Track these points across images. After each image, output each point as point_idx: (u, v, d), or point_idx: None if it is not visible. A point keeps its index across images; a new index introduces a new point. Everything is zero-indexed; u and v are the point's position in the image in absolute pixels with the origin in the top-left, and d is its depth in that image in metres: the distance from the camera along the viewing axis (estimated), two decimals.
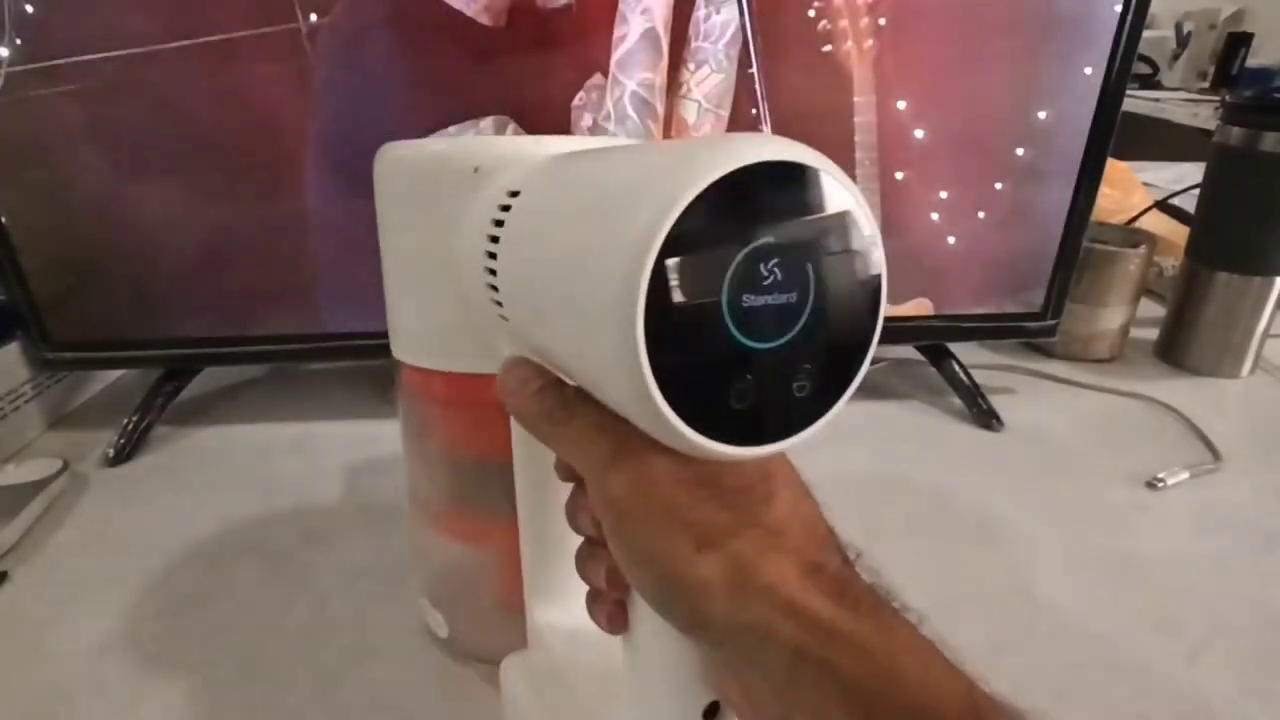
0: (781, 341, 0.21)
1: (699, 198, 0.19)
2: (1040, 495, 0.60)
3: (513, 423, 0.33)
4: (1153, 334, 0.84)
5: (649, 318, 0.19)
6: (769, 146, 0.19)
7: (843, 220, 0.21)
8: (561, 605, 0.36)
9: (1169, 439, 0.67)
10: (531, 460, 0.33)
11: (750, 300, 0.20)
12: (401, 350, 0.37)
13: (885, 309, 0.22)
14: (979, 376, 0.72)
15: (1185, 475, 0.61)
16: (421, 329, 0.36)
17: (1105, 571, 0.52)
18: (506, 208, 0.27)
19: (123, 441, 0.64)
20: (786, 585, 0.22)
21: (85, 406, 0.73)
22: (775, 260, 0.20)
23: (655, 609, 0.25)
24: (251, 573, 0.51)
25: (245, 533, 0.55)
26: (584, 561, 0.29)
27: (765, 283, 0.20)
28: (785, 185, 0.20)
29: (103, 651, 0.44)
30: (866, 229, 0.21)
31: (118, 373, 0.77)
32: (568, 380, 0.26)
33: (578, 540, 0.30)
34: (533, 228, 0.26)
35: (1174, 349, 0.81)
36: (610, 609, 0.29)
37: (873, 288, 0.22)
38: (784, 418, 0.22)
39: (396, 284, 0.35)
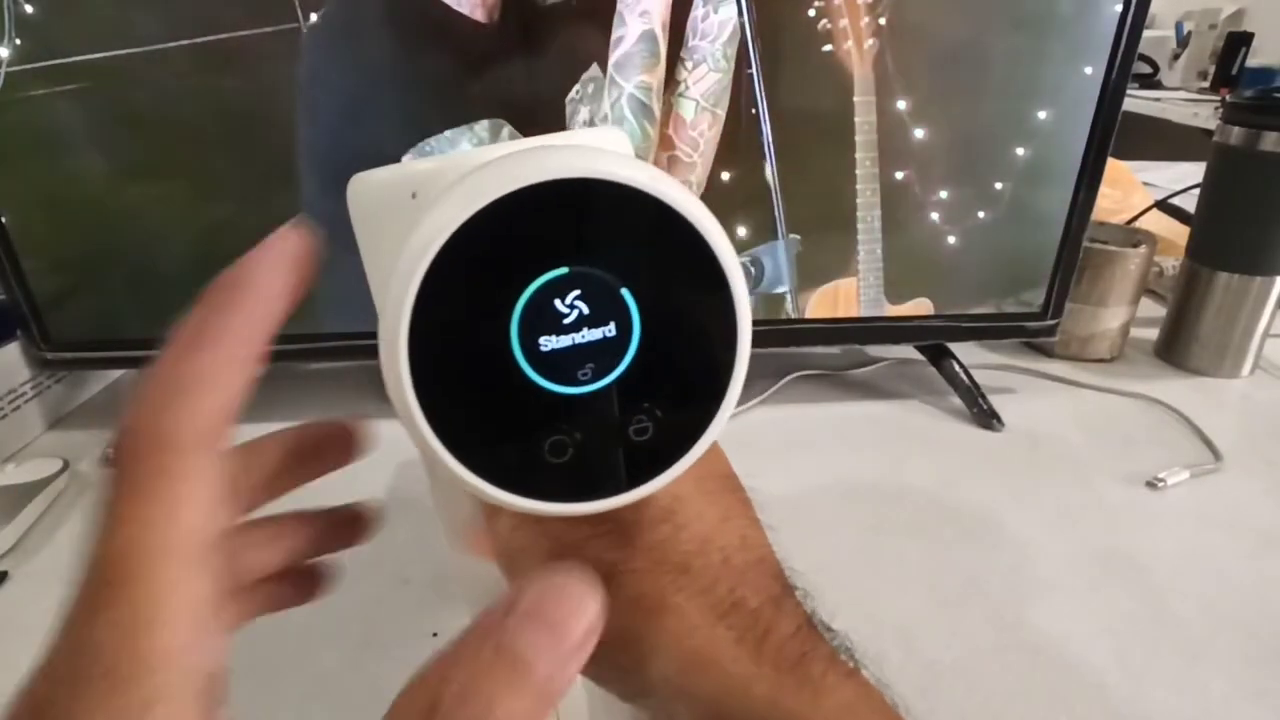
0: (604, 383, 0.18)
1: (463, 234, 0.16)
2: (1040, 495, 0.60)
3: None
4: (1153, 334, 0.84)
5: (427, 374, 0.16)
6: (552, 163, 0.16)
7: (667, 235, 0.17)
8: None
9: (1169, 439, 0.67)
10: None
11: (550, 342, 0.17)
12: None
13: (747, 326, 0.18)
14: (979, 376, 0.72)
15: (1186, 475, 0.61)
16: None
17: (1105, 571, 0.52)
18: None
19: None
20: (693, 634, 0.19)
21: (85, 406, 0.73)
22: (575, 293, 0.17)
23: None
24: None
25: None
26: None
27: (567, 320, 0.17)
28: (580, 206, 0.17)
29: None
30: (707, 237, 0.18)
31: (118, 372, 0.77)
32: None
33: None
34: None
35: (1174, 349, 0.81)
36: None
37: (724, 305, 0.18)
38: (625, 466, 0.19)
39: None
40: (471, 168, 0.18)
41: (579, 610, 0.15)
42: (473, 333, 0.17)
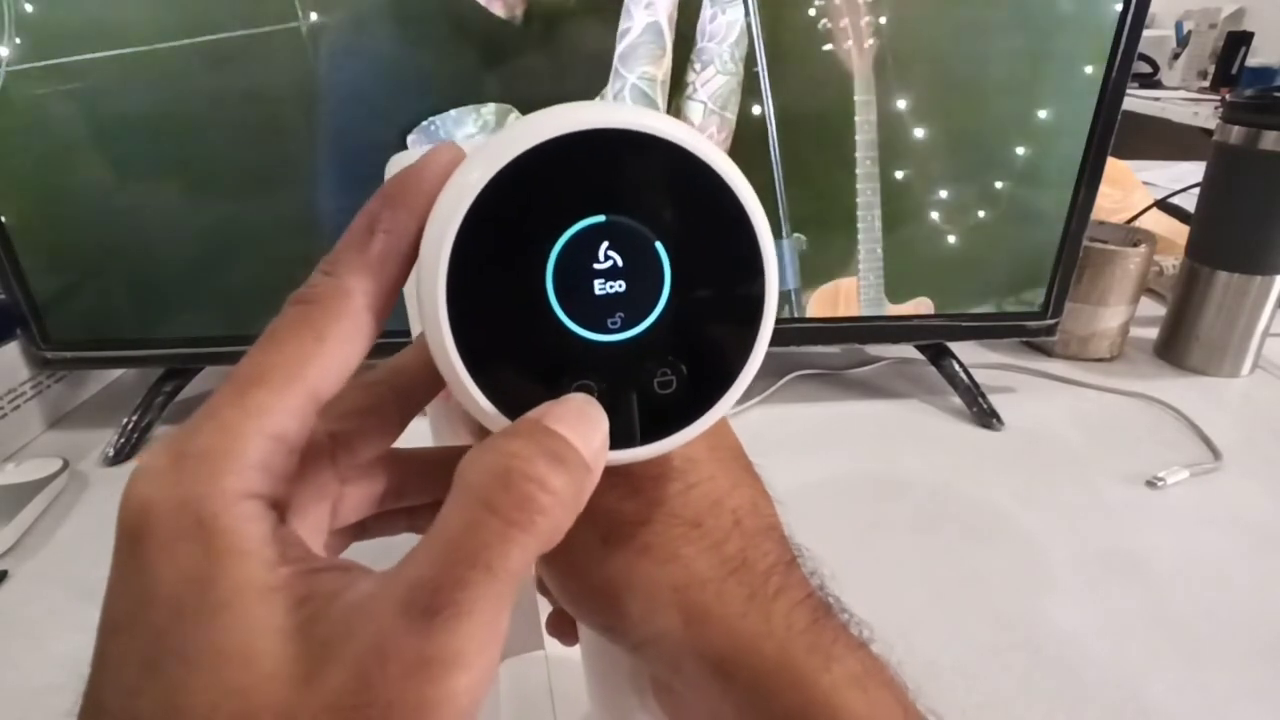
0: (633, 333, 0.18)
1: (506, 177, 0.16)
2: (1040, 494, 0.60)
3: None
4: (1153, 333, 0.84)
5: (463, 310, 0.17)
6: (594, 114, 0.17)
7: (703, 193, 0.18)
8: None
9: (1169, 438, 0.67)
10: None
11: (583, 289, 0.17)
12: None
13: (775, 289, 0.19)
14: (979, 376, 0.72)
15: (1185, 474, 0.61)
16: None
17: (1105, 570, 0.52)
18: None
19: (123, 441, 0.64)
20: (701, 588, 0.20)
21: (85, 406, 0.73)
22: (610, 243, 0.17)
23: (568, 610, 0.22)
24: None
25: None
26: None
27: (601, 267, 0.17)
28: (622, 157, 0.17)
29: None
30: (741, 199, 0.18)
31: (118, 372, 0.77)
32: None
33: None
34: None
35: (1174, 348, 0.81)
36: (554, 618, 0.27)
37: (752, 266, 0.18)
38: (647, 419, 0.19)
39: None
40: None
41: (599, 420, 0.17)
42: (509, 273, 0.17)
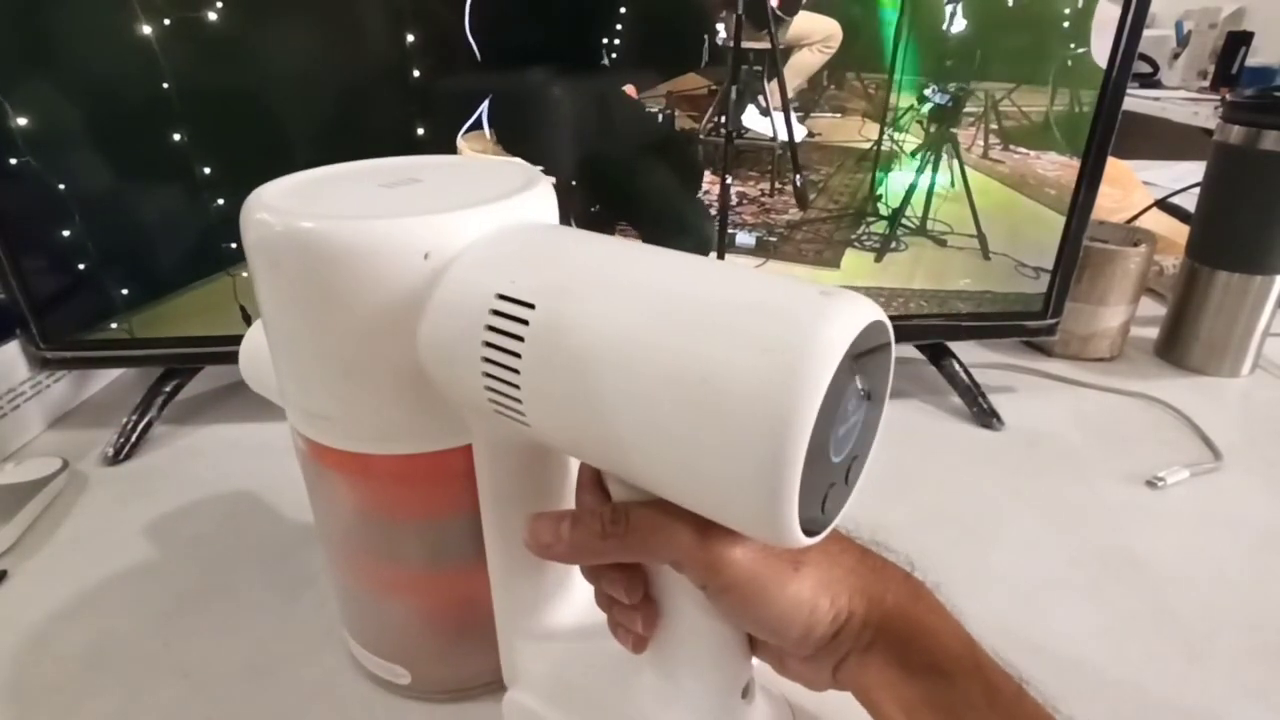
0: (850, 451, 0.25)
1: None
2: (1040, 494, 0.60)
3: (480, 485, 0.33)
4: (1153, 333, 0.84)
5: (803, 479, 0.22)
6: (867, 306, 0.23)
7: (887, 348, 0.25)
8: (538, 642, 0.37)
9: (1169, 438, 0.67)
10: (500, 523, 0.34)
11: (841, 428, 0.23)
12: (319, 433, 0.35)
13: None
14: (979, 376, 0.72)
15: (1185, 474, 0.61)
16: (343, 413, 0.33)
17: (1105, 570, 0.52)
18: (518, 319, 0.26)
19: (122, 440, 0.64)
20: (867, 581, 0.30)
21: (85, 405, 0.73)
22: (860, 394, 0.24)
23: (763, 635, 0.29)
24: (251, 573, 0.51)
25: (245, 532, 0.55)
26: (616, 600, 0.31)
27: (850, 409, 0.23)
28: (873, 337, 0.23)
29: (102, 651, 0.44)
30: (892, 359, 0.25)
31: (117, 372, 0.77)
32: (619, 484, 0.28)
33: (547, 585, 0.37)
34: (596, 355, 0.24)
35: (1174, 348, 0.81)
36: (644, 614, 0.31)
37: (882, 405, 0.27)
38: (838, 508, 0.26)
39: (308, 362, 0.33)
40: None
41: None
42: (823, 441, 0.22)
